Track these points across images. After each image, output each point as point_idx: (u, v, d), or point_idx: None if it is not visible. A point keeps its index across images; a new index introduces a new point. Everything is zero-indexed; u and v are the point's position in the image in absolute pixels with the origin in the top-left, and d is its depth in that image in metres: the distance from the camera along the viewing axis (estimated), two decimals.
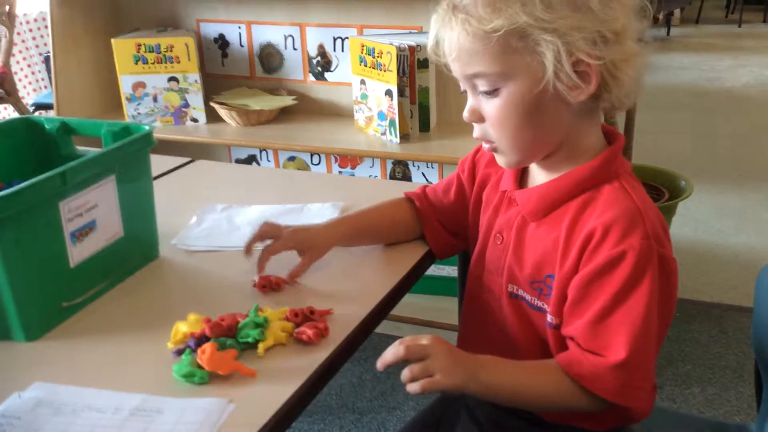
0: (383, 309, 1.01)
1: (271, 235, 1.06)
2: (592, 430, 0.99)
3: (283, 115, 2.22)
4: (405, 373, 0.85)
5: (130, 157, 1.05)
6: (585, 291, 0.89)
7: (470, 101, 0.93)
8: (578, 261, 0.90)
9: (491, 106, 0.90)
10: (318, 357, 0.88)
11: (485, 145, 0.96)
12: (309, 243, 1.06)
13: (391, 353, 0.86)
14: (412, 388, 0.85)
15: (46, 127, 1.15)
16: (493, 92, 0.89)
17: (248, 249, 1.05)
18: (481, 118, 0.93)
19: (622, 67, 0.87)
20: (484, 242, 1.05)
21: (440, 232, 1.13)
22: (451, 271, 2.11)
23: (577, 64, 0.85)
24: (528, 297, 0.97)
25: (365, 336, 0.98)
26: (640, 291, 0.86)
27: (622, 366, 0.85)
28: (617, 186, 0.91)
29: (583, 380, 0.88)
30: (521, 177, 1.02)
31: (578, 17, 0.84)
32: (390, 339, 0.89)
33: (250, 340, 0.88)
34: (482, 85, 0.90)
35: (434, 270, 2.14)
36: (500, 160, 0.97)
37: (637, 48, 0.88)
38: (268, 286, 1.03)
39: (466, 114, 0.93)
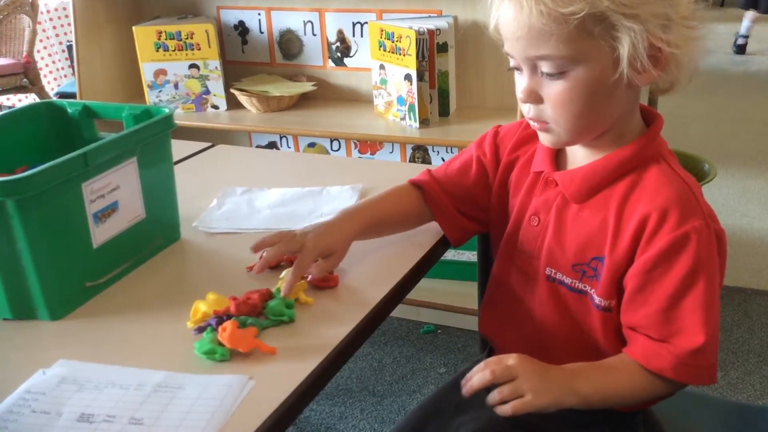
0: (401, 290, 1.01)
1: (293, 249, 0.99)
2: (621, 411, 0.98)
3: (302, 101, 2.23)
4: (494, 396, 0.83)
5: (151, 140, 1.06)
6: (648, 277, 0.87)
7: (526, 81, 0.88)
8: (633, 246, 0.88)
9: (554, 89, 0.87)
10: (337, 336, 0.88)
11: (534, 124, 0.92)
12: (332, 248, 1.00)
13: (477, 378, 0.83)
14: (503, 410, 0.82)
15: (69, 111, 1.17)
16: (558, 75, 0.86)
17: (261, 268, 1.00)
18: (538, 99, 0.89)
19: (685, 50, 0.85)
20: (516, 224, 1.02)
21: (456, 219, 1.09)
22: (470, 256, 2.10)
23: (650, 48, 0.83)
24: (568, 280, 0.96)
25: (383, 317, 0.98)
26: (706, 272, 0.85)
27: (701, 349, 0.85)
28: (664, 167, 0.90)
29: (667, 371, 0.87)
30: (557, 158, 0.99)
31: (656, 2, 0.82)
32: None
33: (285, 318, 0.91)
34: (547, 68, 0.86)
35: (453, 255, 2.14)
36: (547, 138, 0.93)
37: (699, 30, 0.86)
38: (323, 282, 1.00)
39: (521, 95, 0.90)
